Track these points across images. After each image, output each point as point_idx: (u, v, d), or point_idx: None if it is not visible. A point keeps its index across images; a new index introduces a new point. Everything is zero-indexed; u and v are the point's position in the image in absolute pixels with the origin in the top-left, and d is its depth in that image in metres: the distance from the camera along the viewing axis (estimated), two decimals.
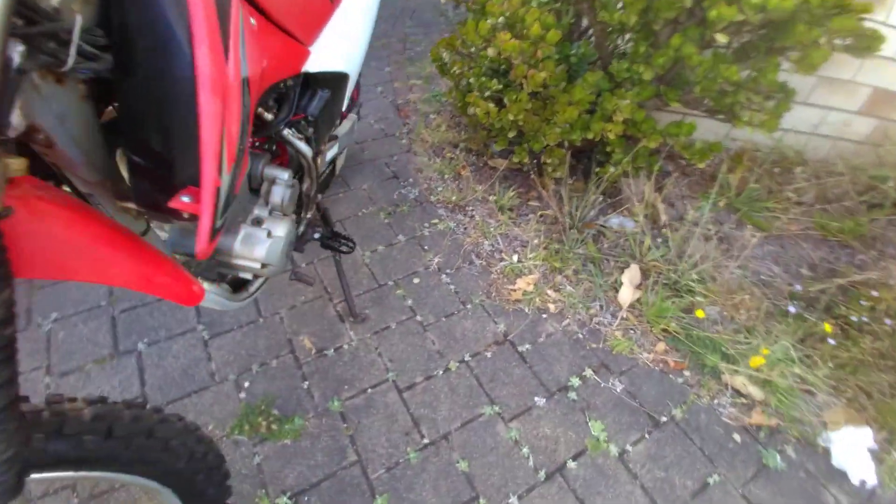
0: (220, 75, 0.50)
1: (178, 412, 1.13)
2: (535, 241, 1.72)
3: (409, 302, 1.53)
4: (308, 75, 1.00)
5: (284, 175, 0.97)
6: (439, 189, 1.97)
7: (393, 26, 3.37)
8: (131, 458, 0.65)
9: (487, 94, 1.60)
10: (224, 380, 1.30)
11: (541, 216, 1.82)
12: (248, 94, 0.60)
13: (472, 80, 1.67)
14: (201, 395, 1.27)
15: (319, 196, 1.30)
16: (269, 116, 0.98)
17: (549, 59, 1.40)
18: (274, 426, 1.20)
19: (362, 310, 1.50)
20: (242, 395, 1.27)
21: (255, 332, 1.42)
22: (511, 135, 1.60)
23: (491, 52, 1.43)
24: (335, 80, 1.11)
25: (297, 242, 1.23)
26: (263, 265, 0.96)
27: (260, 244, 0.93)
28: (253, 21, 0.69)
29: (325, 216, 1.33)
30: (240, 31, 0.61)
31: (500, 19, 1.40)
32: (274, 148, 1.07)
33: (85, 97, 0.50)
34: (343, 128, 1.52)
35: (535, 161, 1.85)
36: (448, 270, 1.64)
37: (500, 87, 1.57)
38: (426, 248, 1.72)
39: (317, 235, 1.27)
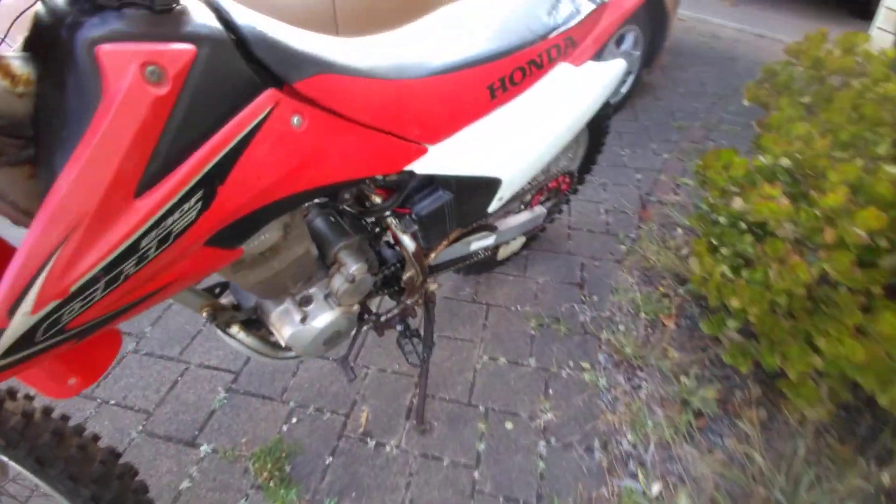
0: (80, 201, 0.40)
1: (240, 409, 1.19)
2: (703, 488, 1.09)
3: (482, 447, 1.22)
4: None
5: (352, 267, 0.85)
6: (620, 327, 1.50)
7: (710, 107, 2.80)
8: (34, 465, 0.68)
9: (727, 249, 1.08)
10: (285, 402, 1.34)
11: (743, 455, 1.14)
12: (180, 213, 0.49)
13: (722, 217, 1.15)
14: (265, 403, 1.34)
15: (434, 287, 1.15)
16: (377, 200, 0.88)
17: (847, 251, 0.80)
18: (273, 483, 1.15)
19: (431, 420, 1.28)
20: (284, 427, 1.28)
21: (337, 374, 1.41)
22: (732, 325, 1.03)
23: (738, 204, 0.92)
24: (474, 183, 0.91)
25: (381, 326, 1.11)
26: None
27: (288, 326, 0.85)
28: (297, 121, 0.58)
29: (427, 310, 1.17)
30: (227, 147, 0.50)
31: (784, 161, 0.88)
32: (378, 230, 0.96)
33: (33, 176, 0.49)
34: (512, 221, 1.30)
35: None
36: (553, 439, 1.23)
37: (752, 250, 1.02)
38: (550, 392, 1.34)
39: (399, 327, 1.12)
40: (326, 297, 0.89)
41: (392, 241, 1.03)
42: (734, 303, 0.95)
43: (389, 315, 1.11)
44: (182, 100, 0.46)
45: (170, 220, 0.47)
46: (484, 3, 0.97)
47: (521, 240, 1.54)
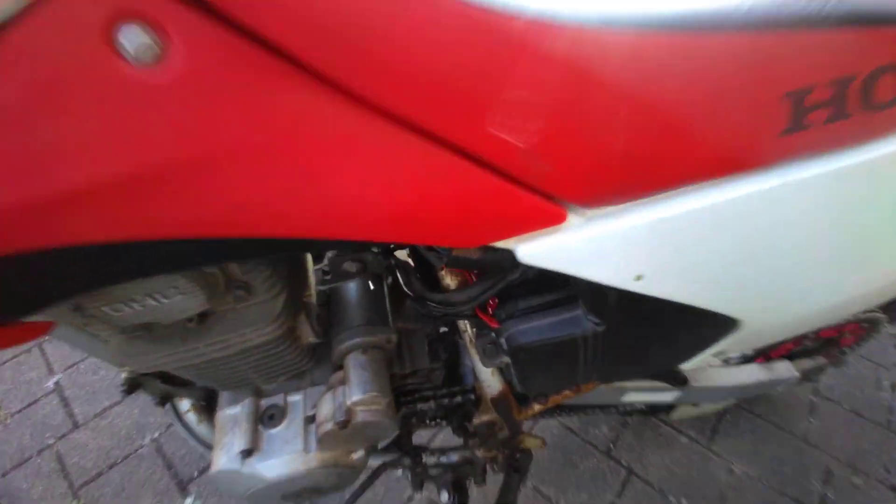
0: None
1: None
2: None
3: None
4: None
5: (354, 395, 0.44)
6: None
7: None
8: None
9: None
10: None
11: None
12: None
13: None
14: None
15: (535, 443, 0.64)
16: (447, 281, 0.45)
17: None
18: None
19: None
20: None
21: (390, 483, 0.99)
22: None
23: None
24: (672, 316, 0.38)
25: (418, 476, 0.66)
26: None
27: (222, 453, 0.48)
28: (142, 42, 0.18)
29: (510, 479, 0.66)
30: None
31: None
32: (444, 329, 0.53)
33: None
34: (723, 376, 0.71)
35: None
36: None
37: None
38: None
39: (445, 498, 0.64)
40: (308, 421, 0.49)
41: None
42: None
43: (440, 461, 0.65)
44: None
45: None
46: None
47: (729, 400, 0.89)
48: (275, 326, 0.41)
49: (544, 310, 0.39)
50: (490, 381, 0.48)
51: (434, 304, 0.43)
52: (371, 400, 0.43)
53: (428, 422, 0.61)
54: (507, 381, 0.51)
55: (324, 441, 0.45)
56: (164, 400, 0.53)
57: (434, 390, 0.57)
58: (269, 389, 0.50)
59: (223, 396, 0.51)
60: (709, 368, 0.68)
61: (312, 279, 0.48)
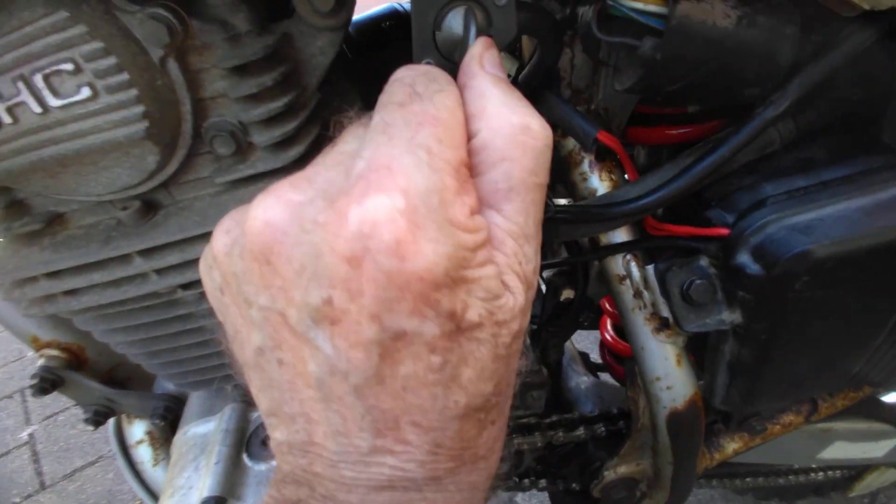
0: None
1: None
2: None
3: None
4: None
5: None
6: None
7: None
8: None
9: None
10: None
11: None
12: None
13: None
14: None
15: None
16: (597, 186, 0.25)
17: None
18: None
19: None
20: None
21: None
22: None
23: None
24: None
25: None
26: None
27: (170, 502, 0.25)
28: None
29: None
30: None
31: None
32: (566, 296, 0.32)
33: None
34: None
35: None
36: None
37: None
38: None
39: None
40: None
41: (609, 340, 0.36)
42: None
43: None
44: None
45: None
46: None
47: None
48: None
49: (832, 187, 0.19)
50: (668, 385, 0.26)
51: (574, 217, 0.23)
52: None
53: (517, 477, 0.38)
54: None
55: None
56: (101, 417, 0.32)
57: (538, 418, 0.34)
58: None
59: (191, 403, 0.30)
60: None
61: None
